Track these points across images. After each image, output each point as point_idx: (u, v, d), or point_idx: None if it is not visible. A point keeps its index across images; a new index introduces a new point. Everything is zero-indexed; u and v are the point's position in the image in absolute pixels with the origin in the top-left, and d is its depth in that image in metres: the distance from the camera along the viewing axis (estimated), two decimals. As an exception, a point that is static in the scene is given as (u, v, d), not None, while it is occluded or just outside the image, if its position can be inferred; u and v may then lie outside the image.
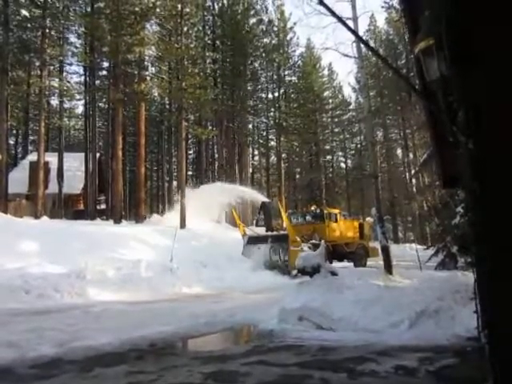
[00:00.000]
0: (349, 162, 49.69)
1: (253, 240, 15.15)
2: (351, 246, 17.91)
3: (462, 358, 4.12)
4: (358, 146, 47.82)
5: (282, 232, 14.86)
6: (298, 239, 14.20)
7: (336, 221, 17.68)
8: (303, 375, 3.70)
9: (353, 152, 49.52)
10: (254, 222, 19.02)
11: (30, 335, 5.29)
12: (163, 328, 5.71)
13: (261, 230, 16.26)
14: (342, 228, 17.99)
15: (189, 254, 13.30)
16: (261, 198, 18.12)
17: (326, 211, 17.78)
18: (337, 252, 16.50)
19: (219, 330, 5.96)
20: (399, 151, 42.00)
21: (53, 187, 27.08)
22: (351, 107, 47.57)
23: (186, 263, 12.16)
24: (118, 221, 21.03)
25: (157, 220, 22.60)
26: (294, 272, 12.47)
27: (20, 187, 25.63)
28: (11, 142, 35.92)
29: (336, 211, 18.77)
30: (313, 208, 19.07)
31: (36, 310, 7.37)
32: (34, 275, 9.24)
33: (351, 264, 17.23)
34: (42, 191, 22.97)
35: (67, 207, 28.01)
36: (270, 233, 15.40)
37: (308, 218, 18.06)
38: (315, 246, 14.00)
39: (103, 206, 30.81)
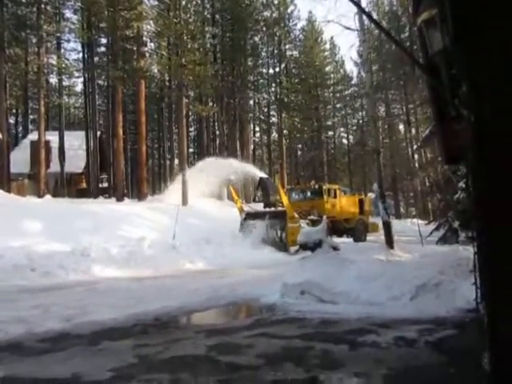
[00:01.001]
0: (351, 137, 49.39)
1: (250, 216, 15.04)
2: (351, 222, 17.90)
3: (462, 330, 4.20)
4: (360, 121, 47.43)
5: (279, 208, 14.74)
6: (296, 215, 14.14)
7: (335, 196, 17.59)
8: (305, 347, 3.78)
9: (354, 128, 49.16)
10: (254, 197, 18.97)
11: (38, 311, 5.40)
12: (167, 303, 5.80)
13: (260, 206, 16.23)
14: (341, 204, 17.91)
15: (191, 231, 13.40)
16: (259, 173, 17.94)
17: (324, 187, 17.64)
18: (336, 228, 16.49)
19: (222, 305, 6.05)
20: (401, 127, 41.65)
21: (54, 166, 27.12)
22: (353, 82, 47.03)
23: (189, 240, 12.26)
24: (120, 199, 21.14)
25: (159, 198, 22.67)
26: (293, 249, 12.51)
27: (22, 167, 25.67)
28: (11, 121, 35.76)
29: (335, 187, 18.69)
30: (311, 184, 18.99)
31: (42, 286, 7.49)
32: (39, 253, 9.37)
33: (351, 240, 17.28)
34: (44, 170, 23.01)
35: (70, 186, 28.12)
36: (267, 209, 15.29)
37: (307, 193, 17.97)
38: (313, 222, 14.03)
39: (105, 185, 30.94)
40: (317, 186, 17.99)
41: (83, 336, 4.33)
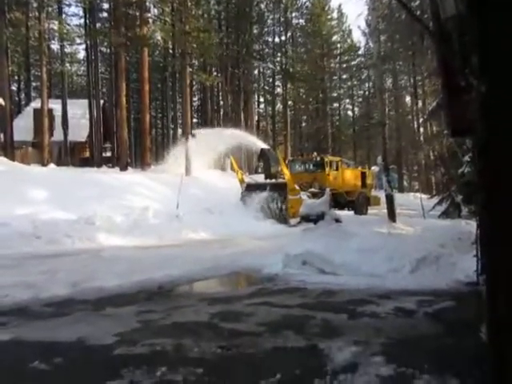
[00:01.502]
0: (356, 109, 48.75)
1: (251, 188, 14.97)
2: (352, 195, 17.82)
3: (460, 302, 4.25)
4: (366, 93, 46.76)
5: (280, 180, 14.65)
6: (297, 188, 14.09)
7: (337, 169, 17.49)
8: (306, 316, 3.84)
9: (360, 99, 48.47)
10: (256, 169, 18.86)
11: (44, 277, 5.50)
12: (170, 271, 5.88)
13: (262, 178, 16.18)
14: (343, 176, 17.80)
15: (194, 201, 13.46)
16: (261, 144, 17.79)
17: (326, 159, 17.47)
18: (337, 200, 16.41)
19: (225, 274, 6.14)
20: (408, 99, 40.99)
21: (58, 135, 27.03)
22: (360, 52, 45.98)
23: (192, 210, 12.33)
24: (124, 168, 21.17)
25: (162, 167, 22.66)
26: (293, 221, 12.52)
27: (25, 135, 25.60)
28: (13, 88, 35.39)
29: (337, 159, 18.54)
30: (313, 155, 18.86)
31: (48, 254, 7.61)
32: (44, 221, 9.47)
33: (352, 212, 17.22)
34: (48, 139, 22.95)
35: (73, 155, 28.11)
36: (268, 180, 15.23)
37: (309, 165, 17.87)
38: (314, 195, 14.00)
39: (109, 154, 30.89)
40: (319, 158, 17.83)
41: (88, 301, 4.42)
